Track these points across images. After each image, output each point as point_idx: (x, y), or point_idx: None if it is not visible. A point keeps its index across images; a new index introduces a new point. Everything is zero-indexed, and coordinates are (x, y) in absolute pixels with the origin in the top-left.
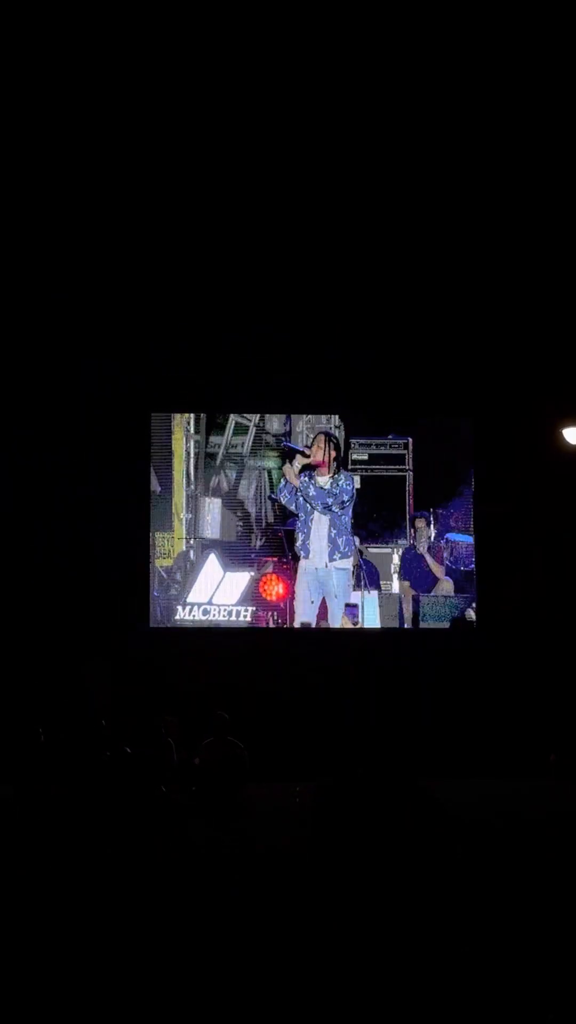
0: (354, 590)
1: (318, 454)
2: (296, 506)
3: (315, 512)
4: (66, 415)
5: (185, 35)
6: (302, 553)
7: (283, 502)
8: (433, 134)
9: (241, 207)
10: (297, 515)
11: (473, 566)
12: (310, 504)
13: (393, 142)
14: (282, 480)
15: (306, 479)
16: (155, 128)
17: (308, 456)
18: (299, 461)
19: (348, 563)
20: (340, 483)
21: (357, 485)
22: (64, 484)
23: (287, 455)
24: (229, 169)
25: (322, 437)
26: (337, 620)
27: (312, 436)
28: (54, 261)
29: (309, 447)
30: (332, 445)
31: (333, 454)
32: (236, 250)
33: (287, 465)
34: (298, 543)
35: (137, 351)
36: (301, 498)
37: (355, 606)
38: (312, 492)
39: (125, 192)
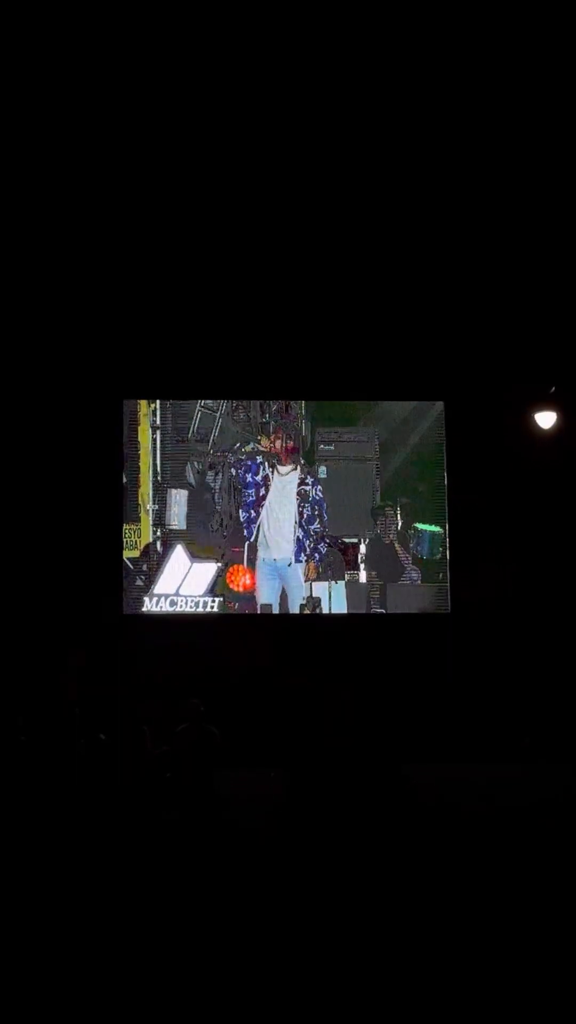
0: (319, 581)
1: (276, 443)
2: (245, 483)
3: (271, 503)
4: (35, 403)
5: (182, 32)
6: (260, 543)
7: (237, 479)
8: (401, 131)
9: (209, 200)
10: (246, 495)
11: (440, 555)
12: (264, 490)
13: (360, 138)
14: (228, 468)
15: (267, 468)
16: (135, 126)
17: (264, 447)
18: (256, 448)
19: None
20: (308, 486)
21: (323, 475)
22: (33, 472)
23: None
24: (217, 168)
25: (279, 429)
26: (295, 610)
27: (271, 427)
28: (28, 251)
29: (267, 437)
30: (286, 435)
31: (290, 444)
32: (205, 239)
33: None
34: (258, 530)
35: (106, 339)
36: (251, 477)
37: (317, 599)
38: (271, 480)
39: (110, 191)
